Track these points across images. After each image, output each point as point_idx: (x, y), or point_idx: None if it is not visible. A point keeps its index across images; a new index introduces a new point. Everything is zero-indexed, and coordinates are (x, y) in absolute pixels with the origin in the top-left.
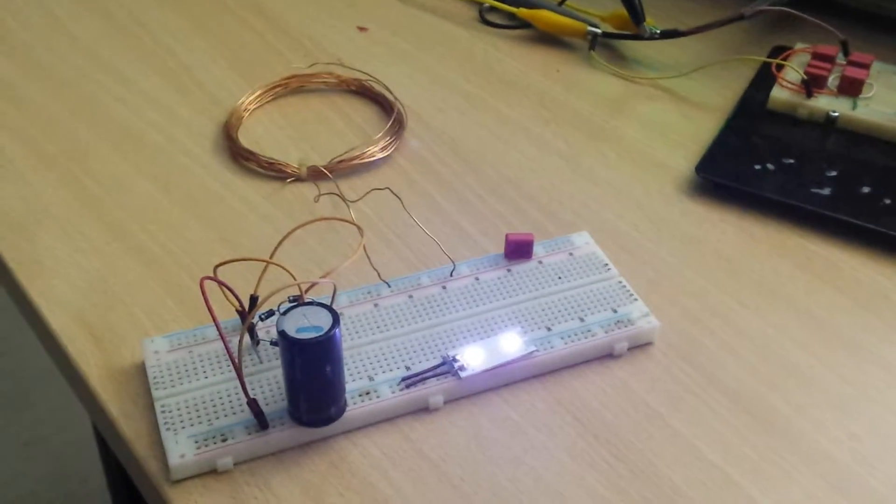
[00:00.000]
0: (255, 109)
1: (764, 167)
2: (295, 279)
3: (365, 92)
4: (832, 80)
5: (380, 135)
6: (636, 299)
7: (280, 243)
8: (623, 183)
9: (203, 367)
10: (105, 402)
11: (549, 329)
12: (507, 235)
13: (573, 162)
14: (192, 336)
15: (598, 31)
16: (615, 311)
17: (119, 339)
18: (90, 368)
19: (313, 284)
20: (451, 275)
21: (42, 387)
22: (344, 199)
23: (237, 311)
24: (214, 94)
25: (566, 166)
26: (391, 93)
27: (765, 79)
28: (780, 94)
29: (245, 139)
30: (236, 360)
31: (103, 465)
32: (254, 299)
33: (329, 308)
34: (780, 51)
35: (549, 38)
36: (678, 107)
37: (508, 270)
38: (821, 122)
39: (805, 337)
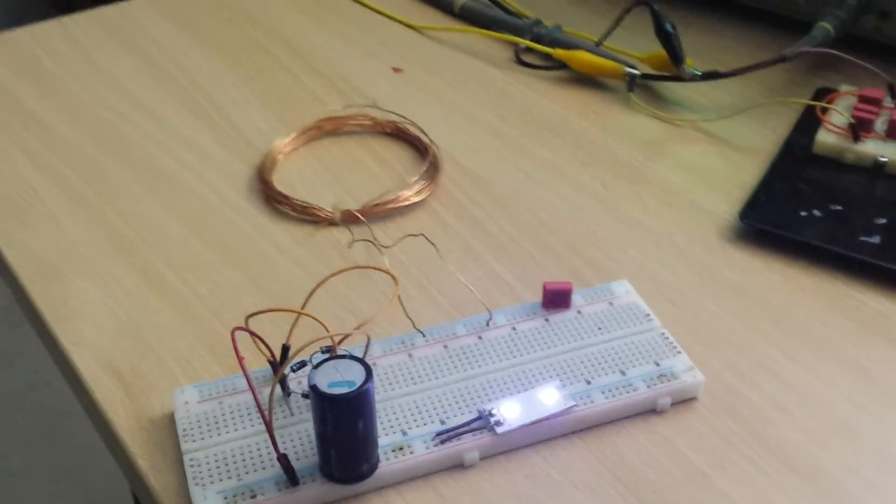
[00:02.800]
0: (289, 152)
1: (810, 214)
2: (328, 331)
3: (400, 134)
4: (880, 124)
5: (415, 178)
6: (679, 352)
7: (313, 292)
8: (663, 228)
9: (233, 419)
10: (133, 453)
11: (588, 383)
12: (544, 284)
13: (611, 206)
14: (223, 386)
15: (637, 72)
16: (658, 365)
17: (148, 386)
18: (118, 417)
19: (346, 336)
20: (488, 324)
21: (71, 420)
22: (377, 246)
23: (269, 361)
24: (248, 135)
25: (604, 211)
26: (426, 135)
27: (809, 122)
28: (826, 139)
29: (279, 182)
30: (266, 415)
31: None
32: (285, 349)
33: (362, 361)
34: (824, 93)
35: (587, 80)
36: (719, 150)
37: (546, 320)
38: (868, 167)
39: (855, 392)
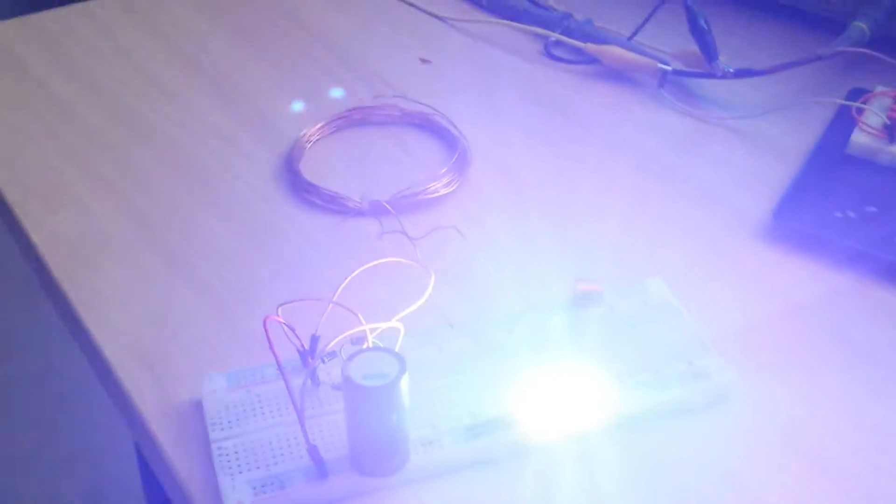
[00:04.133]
0: (317, 141)
1: (845, 215)
2: (363, 321)
3: (429, 125)
4: None
5: (444, 170)
6: (712, 351)
7: (344, 284)
8: (695, 227)
9: (262, 408)
10: (160, 441)
11: (621, 381)
12: (576, 285)
13: (642, 204)
14: (252, 375)
15: (669, 68)
16: (691, 364)
17: (176, 373)
18: (145, 404)
19: (381, 328)
20: (518, 319)
21: (84, 401)
22: (408, 238)
23: (299, 351)
24: (276, 124)
25: (635, 208)
26: (456, 127)
27: (843, 122)
28: (860, 139)
29: (307, 171)
30: (299, 405)
31: (143, 487)
32: (315, 339)
33: (396, 354)
34: (858, 93)
35: (617, 75)
36: (751, 149)
37: (578, 316)
38: None
39: (889, 394)
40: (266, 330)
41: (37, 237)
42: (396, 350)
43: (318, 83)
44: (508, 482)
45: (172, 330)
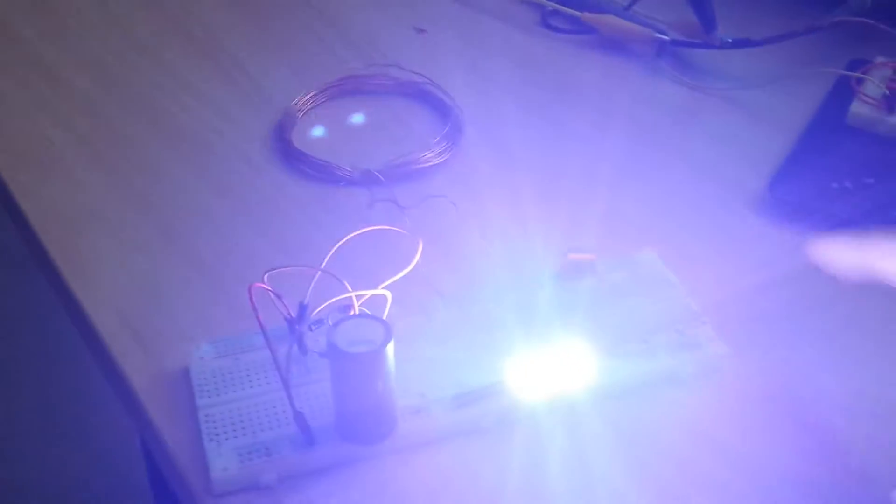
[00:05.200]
0: (309, 110)
1: (842, 186)
2: (350, 289)
3: (422, 95)
4: None
5: (436, 140)
6: (704, 322)
7: (332, 251)
8: (690, 198)
9: (249, 376)
10: (148, 408)
11: (610, 350)
12: (568, 256)
13: (637, 175)
14: (240, 343)
15: (666, 37)
16: (681, 334)
17: (165, 342)
18: (134, 371)
19: (367, 296)
20: (508, 290)
21: (80, 375)
22: (398, 207)
23: (286, 318)
24: (268, 92)
25: (629, 179)
26: (449, 96)
27: (842, 93)
28: (860, 110)
29: (298, 140)
30: (284, 372)
31: (145, 462)
32: (303, 307)
33: (382, 321)
34: (858, 64)
35: (614, 45)
36: (749, 120)
37: (569, 287)
38: None
39: (884, 366)
40: (251, 297)
41: (25, 204)
42: (384, 318)
43: (311, 51)
44: (497, 450)
45: (161, 298)
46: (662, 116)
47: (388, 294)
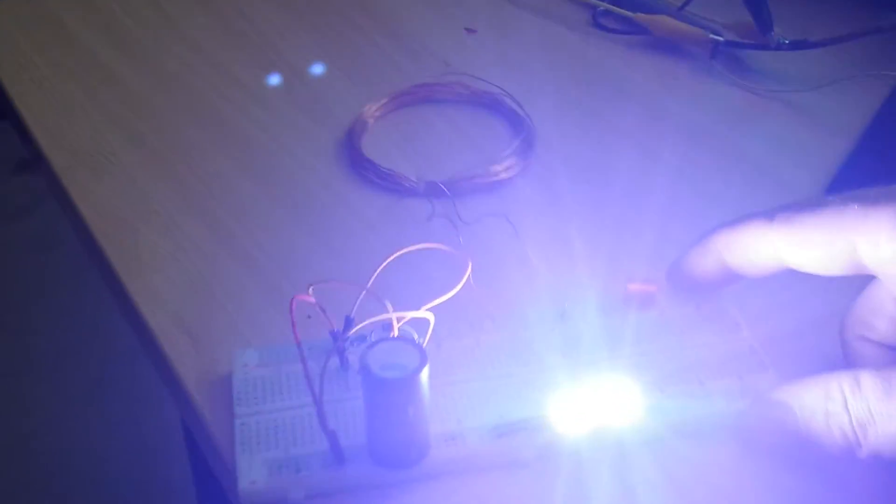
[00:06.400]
0: (380, 117)
1: None
2: (390, 310)
3: (495, 105)
4: None
5: (505, 153)
6: (767, 369)
7: (378, 270)
8: (747, 204)
9: (290, 387)
10: (195, 406)
11: (662, 391)
12: (628, 286)
13: (692, 180)
14: (284, 353)
15: (721, 38)
16: (741, 379)
17: (216, 341)
18: (186, 370)
19: (408, 318)
20: (562, 317)
21: (130, 367)
22: (454, 223)
23: (330, 332)
24: (328, 99)
25: (684, 184)
26: (522, 109)
27: None
28: None
29: (367, 147)
30: (315, 387)
31: (189, 455)
32: (349, 320)
33: (418, 346)
34: None
35: (668, 46)
36: (805, 123)
37: (625, 319)
38: None
39: None
40: (292, 310)
41: (82, 204)
42: (426, 341)
43: (372, 60)
44: (535, 485)
45: (214, 299)
46: (718, 118)
47: (431, 317)
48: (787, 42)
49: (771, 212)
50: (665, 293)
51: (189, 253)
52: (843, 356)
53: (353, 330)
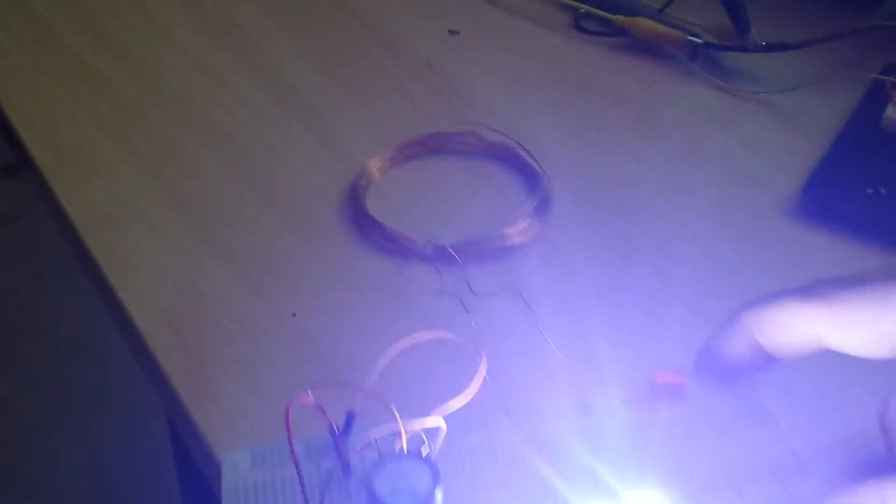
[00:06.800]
0: (387, 170)
1: (876, 191)
2: (398, 418)
3: (510, 159)
4: None
5: (522, 215)
6: (811, 473)
7: (381, 365)
8: (723, 202)
9: (286, 496)
10: (185, 402)
11: (696, 501)
12: (656, 376)
13: (668, 176)
14: (279, 453)
15: (700, 40)
16: (784, 488)
17: (202, 339)
18: (172, 366)
19: (418, 428)
20: (584, 411)
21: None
22: (465, 302)
23: (330, 432)
24: (344, 146)
25: (662, 181)
26: (538, 163)
27: (877, 98)
28: (894, 115)
29: (372, 204)
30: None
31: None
32: (350, 417)
33: (431, 464)
34: (894, 68)
35: (648, 48)
36: (782, 124)
37: (654, 412)
38: None
39: None
40: (287, 417)
41: (67, 202)
42: (435, 451)
43: (385, 97)
44: None
45: (199, 298)
46: (696, 119)
47: (444, 425)
48: (764, 44)
49: (808, 288)
50: (695, 384)
51: (175, 253)
52: (884, 444)
53: (361, 436)
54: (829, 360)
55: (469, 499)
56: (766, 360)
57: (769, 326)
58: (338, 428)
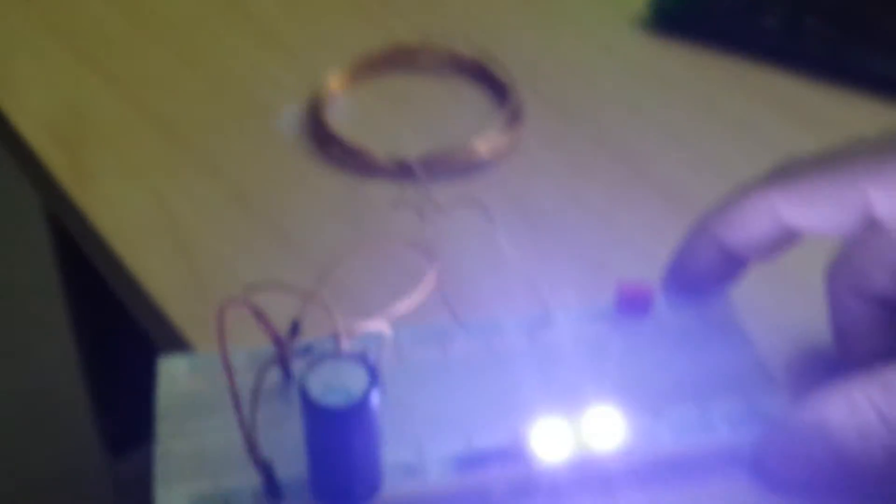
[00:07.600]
0: (349, 85)
1: None
2: (339, 320)
3: (480, 73)
4: None
5: (490, 130)
6: (778, 389)
7: (330, 274)
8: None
9: (223, 403)
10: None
11: (656, 415)
12: (619, 284)
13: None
14: (218, 361)
15: None
16: (749, 403)
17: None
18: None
19: (362, 331)
20: (544, 324)
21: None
22: (423, 213)
23: (272, 339)
24: (303, 60)
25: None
26: (510, 75)
27: None
28: None
29: (335, 120)
30: (244, 410)
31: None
32: (295, 325)
33: (368, 365)
34: None
35: None
36: None
37: (616, 328)
38: None
39: None
40: (220, 321)
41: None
42: (381, 357)
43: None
44: None
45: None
46: None
47: (387, 328)
48: None
49: (768, 174)
50: (662, 298)
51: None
52: (829, 312)
53: (301, 336)
54: (801, 272)
55: (419, 410)
56: (734, 264)
57: (732, 222)
58: (282, 338)
